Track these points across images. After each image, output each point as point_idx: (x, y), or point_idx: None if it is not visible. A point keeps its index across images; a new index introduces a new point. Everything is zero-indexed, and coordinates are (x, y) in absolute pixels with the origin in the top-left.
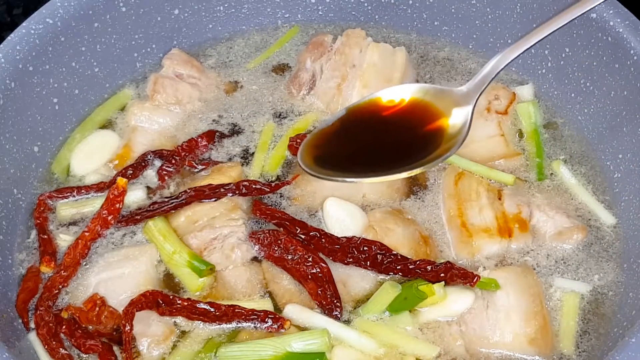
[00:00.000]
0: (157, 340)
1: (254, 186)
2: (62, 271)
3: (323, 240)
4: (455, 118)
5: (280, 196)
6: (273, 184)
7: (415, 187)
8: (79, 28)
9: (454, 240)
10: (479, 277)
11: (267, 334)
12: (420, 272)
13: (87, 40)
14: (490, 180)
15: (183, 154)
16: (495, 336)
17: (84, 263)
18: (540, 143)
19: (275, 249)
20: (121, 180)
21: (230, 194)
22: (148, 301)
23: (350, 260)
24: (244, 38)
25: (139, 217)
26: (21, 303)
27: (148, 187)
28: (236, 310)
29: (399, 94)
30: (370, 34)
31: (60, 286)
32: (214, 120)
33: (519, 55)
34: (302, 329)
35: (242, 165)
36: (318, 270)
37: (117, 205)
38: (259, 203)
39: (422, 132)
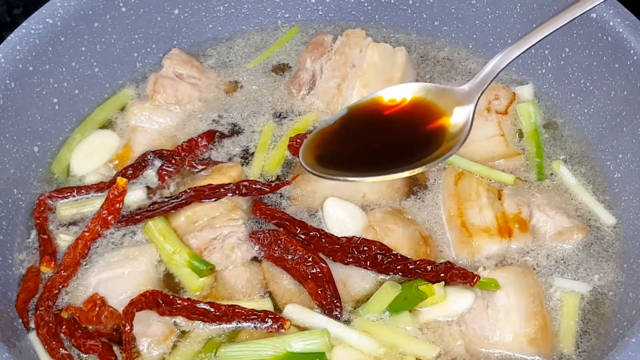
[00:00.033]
0: (157, 340)
1: (254, 186)
2: (62, 271)
3: (323, 240)
4: (456, 117)
5: (280, 196)
6: (273, 184)
7: (415, 187)
8: (79, 28)
9: (454, 240)
10: (479, 277)
11: (267, 334)
12: (420, 272)
13: (87, 40)
14: (490, 180)
15: (183, 154)
16: (495, 336)
17: (84, 263)
18: (540, 143)
19: (275, 249)
20: (121, 180)
21: (230, 194)
22: (148, 301)
23: (350, 260)
24: (244, 38)
25: (139, 217)
26: (21, 303)
27: (148, 187)
28: (236, 310)
29: (400, 93)
30: (370, 34)
31: (60, 286)
32: (214, 120)
33: (521, 54)
34: (302, 329)
35: (242, 165)
36: (318, 270)
37: (117, 205)
38: (259, 203)
39: (423, 131)
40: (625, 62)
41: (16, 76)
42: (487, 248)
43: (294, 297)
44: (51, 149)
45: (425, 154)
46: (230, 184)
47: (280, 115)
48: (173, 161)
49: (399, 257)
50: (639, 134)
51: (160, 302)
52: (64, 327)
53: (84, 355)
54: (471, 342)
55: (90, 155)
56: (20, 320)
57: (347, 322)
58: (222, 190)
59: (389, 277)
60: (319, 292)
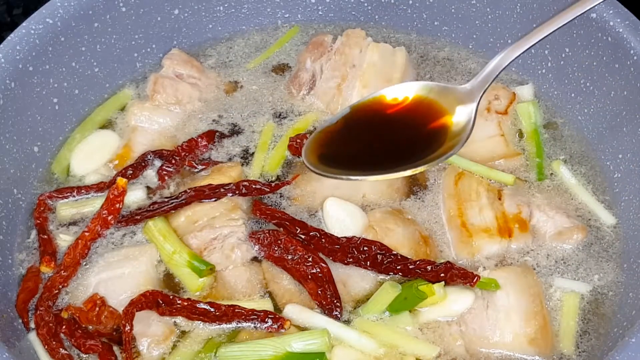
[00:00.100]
0: (157, 340)
1: (254, 186)
2: (62, 271)
3: (323, 240)
4: (459, 116)
5: (280, 196)
6: (273, 184)
7: (415, 187)
8: (79, 28)
9: (454, 240)
10: (479, 277)
11: (267, 334)
12: (420, 272)
13: (87, 40)
14: (490, 180)
15: (183, 154)
16: (495, 336)
17: (84, 263)
18: (540, 143)
19: (275, 249)
20: (121, 180)
21: (230, 194)
22: (148, 301)
23: (350, 260)
24: (244, 38)
25: (139, 217)
26: (21, 303)
27: (148, 187)
28: (236, 310)
29: (402, 91)
30: (370, 34)
31: (60, 286)
32: (214, 120)
33: (523, 52)
34: (302, 329)
35: (242, 165)
36: (318, 270)
37: (117, 205)
38: (259, 203)
39: (426, 130)
40: (625, 62)
41: (16, 76)
42: (487, 248)
43: (294, 297)
44: (51, 149)
45: (427, 153)
46: (230, 184)
47: (280, 115)
48: (173, 161)
49: (399, 257)
50: (639, 134)
51: (160, 302)
52: (64, 327)
53: (84, 355)
54: (471, 342)
55: (90, 155)
56: (20, 320)
57: (347, 322)
58: (222, 190)
59: (389, 277)
60: (319, 292)
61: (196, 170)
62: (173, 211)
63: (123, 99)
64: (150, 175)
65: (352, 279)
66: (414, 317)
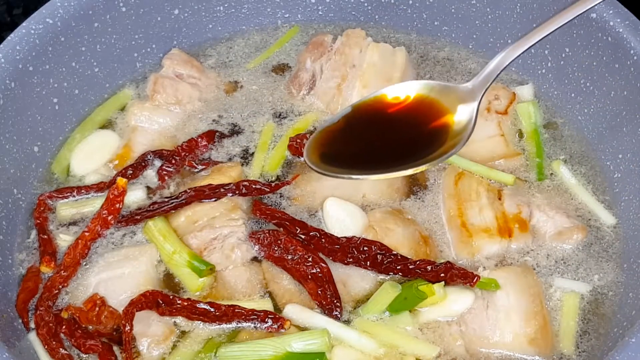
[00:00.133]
0: (157, 340)
1: (254, 186)
2: (62, 271)
3: (323, 240)
4: (460, 115)
5: (280, 196)
6: (273, 184)
7: (415, 187)
8: (79, 28)
9: (454, 240)
10: (479, 277)
11: (267, 334)
12: (420, 272)
13: (87, 40)
14: (490, 180)
15: (183, 154)
16: (495, 336)
17: (84, 263)
18: (540, 143)
19: (275, 249)
20: (121, 180)
21: (230, 194)
22: (148, 301)
23: (350, 260)
24: (244, 38)
25: (139, 217)
26: (21, 303)
27: (148, 187)
28: (236, 310)
29: (404, 90)
30: (370, 34)
31: (60, 286)
32: (214, 120)
33: (525, 51)
34: (302, 329)
35: (242, 165)
36: (318, 270)
37: (117, 205)
38: (259, 203)
39: (427, 129)
40: (625, 62)
41: (16, 76)
42: (487, 248)
43: (294, 297)
44: (51, 149)
45: (428, 152)
46: (230, 184)
47: (280, 115)
48: (173, 161)
49: (399, 257)
50: (639, 134)
51: (160, 302)
52: (64, 327)
53: (84, 355)
54: (471, 342)
55: (90, 155)
56: (20, 320)
57: (347, 322)
58: (222, 190)
59: (389, 277)
60: (319, 292)
61: (196, 170)
62: (173, 211)
63: (123, 99)
64: (150, 175)
65: (352, 279)
66: (414, 317)
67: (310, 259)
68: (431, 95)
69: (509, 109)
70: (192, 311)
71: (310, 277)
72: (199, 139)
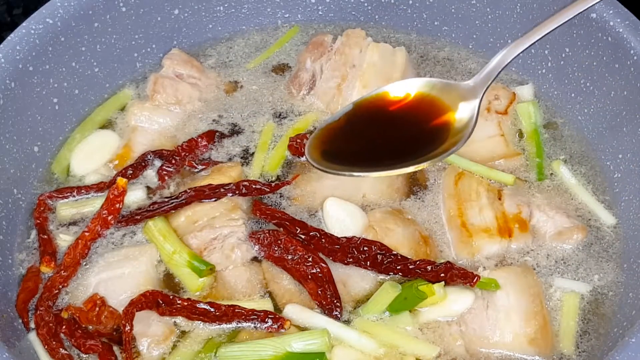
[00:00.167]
0: (157, 340)
1: (254, 186)
2: (62, 271)
3: (323, 240)
4: (461, 112)
5: (280, 196)
6: (273, 184)
7: (415, 187)
8: (79, 28)
9: (454, 240)
10: (479, 277)
11: (267, 334)
12: (420, 272)
13: (87, 40)
14: (490, 180)
15: (183, 154)
16: (495, 336)
17: (84, 263)
18: (540, 143)
19: (275, 249)
20: (121, 180)
21: (230, 194)
22: (148, 301)
23: (350, 260)
24: (244, 38)
25: (139, 217)
26: (21, 303)
27: (148, 187)
28: (236, 310)
29: (405, 88)
30: (370, 34)
31: (60, 286)
32: (214, 120)
33: (527, 48)
34: (302, 329)
35: (242, 165)
36: (318, 270)
37: (117, 205)
38: (259, 203)
39: (428, 127)
40: (625, 62)
41: (16, 76)
42: (487, 248)
43: (294, 297)
44: (51, 149)
45: (430, 150)
46: (230, 184)
47: (280, 115)
48: (173, 161)
49: (399, 257)
50: (639, 134)
51: (160, 302)
52: (64, 327)
53: (84, 355)
54: (471, 342)
55: (90, 155)
56: (20, 320)
57: (347, 322)
58: (222, 190)
59: (389, 277)
60: (319, 292)
61: (196, 170)
62: (173, 211)
63: (123, 99)
64: (150, 175)
65: (352, 279)
66: (414, 317)
67: (310, 259)
68: (432, 93)
69: (509, 109)
70: (192, 311)
71: (310, 277)
72: (199, 139)
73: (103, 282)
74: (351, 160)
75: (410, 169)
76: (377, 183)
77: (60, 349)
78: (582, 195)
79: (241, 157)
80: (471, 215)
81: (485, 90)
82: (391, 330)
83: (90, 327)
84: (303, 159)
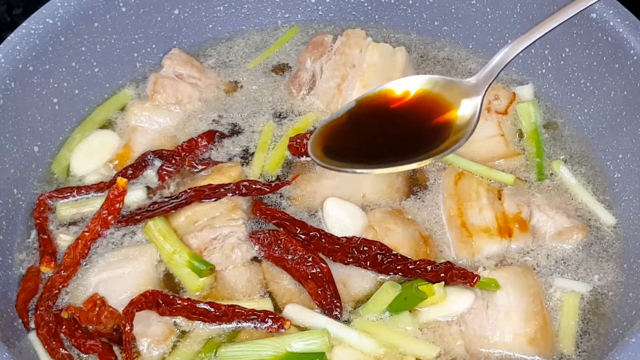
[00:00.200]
0: (157, 340)
1: (254, 186)
2: (62, 271)
3: (323, 240)
4: (464, 109)
5: (280, 196)
6: (273, 184)
7: (415, 187)
8: (79, 28)
9: (454, 240)
10: (479, 277)
11: (267, 334)
12: (420, 272)
13: (87, 40)
14: (490, 180)
15: (183, 154)
16: (495, 336)
17: (84, 263)
18: (540, 143)
19: (275, 249)
20: (121, 180)
21: (230, 194)
22: (148, 301)
23: (350, 260)
24: (244, 38)
25: (139, 217)
26: (21, 303)
27: (148, 187)
28: (236, 310)
29: (407, 85)
30: (370, 34)
31: (60, 286)
32: (214, 120)
33: (530, 45)
34: (302, 329)
35: (242, 165)
36: (318, 270)
37: (117, 205)
38: (259, 203)
39: (430, 124)
40: (625, 62)
41: (16, 76)
42: (487, 248)
43: (294, 297)
44: (51, 149)
45: (432, 147)
46: (230, 184)
47: (280, 115)
48: (173, 161)
49: (399, 257)
50: (639, 134)
51: (160, 302)
52: (64, 327)
53: (84, 355)
54: (471, 342)
55: (90, 155)
56: (20, 320)
57: (347, 322)
58: (222, 190)
59: (389, 277)
60: (319, 292)
61: (196, 170)
62: (173, 211)
63: (123, 99)
64: (150, 175)
65: (352, 279)
66: (414, 317)
67: (310, 259)
68: (435, 90)
69: (509, 109)
70: (192, 311)
71: (310, 277)
72: (199, 139)
73: (103, 282)
74: (353, 158)
75: (413, 165)
76: (377, 183)
77: (60, 349)
78: (582, 195)
79: (241, 157)
80: (471, 215)
81: (488, 87)
82: (391, 330)
83: (90, 327)
84: (303, 159)
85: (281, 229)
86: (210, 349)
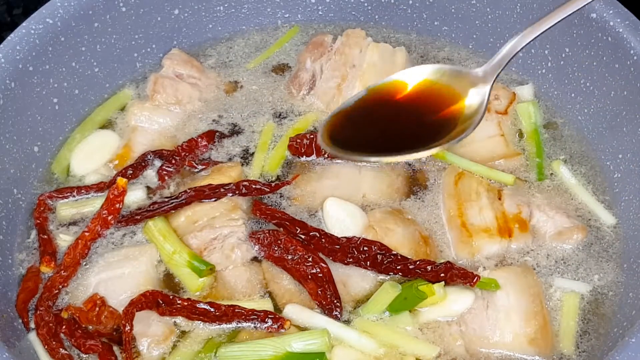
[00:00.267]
0: (157, 340)
1: (254, 186)
2: (62, 271)
3: (323, 240)
4: (471, 98)
5: (280, 196)
6: (273, 184)
7: (415, 187)
8: (79, 28)
9: (454, 240)
10: (479, 277)
11: (267, 334)
12: (420, 272)
13: (87, 40)
14: (490, 180)
15: (183, 154)
16: (495, 336)
17: (84, 263)
18: (540, 143)
19: (275, 249)
20: (121, 180)
21: (230, 194)
22: (148, 301)
23: (350, 260)
24: (244, 38)
25: (139, 217)
26: (21, 303)
27: (148, 187)
28: (236, 310)
29: (415, 75)
30: (370, 34)
31: (60, 286)
32: (214, 120)
33: (539, 35)
34: (302, 329)
35: (242, 165)
36: (318, 270)
37: (117, 205)
38: (259, 203)
39: (438, 114)
40: (625, 62)
41: (16, 76)
42: (487, 248)
43: (294, 297)
44: (51, 149)
45: (440, 137)
46: (230, 184)
47: (280, 115)
48: (173, 161)
49: (399, 257)
50: (639, 134)
51: (160, 302)
52: (64, 327)
53: (84, 355)
54: (471, 342)
55: (90, 155)
56: (20, 320)
57: (347, 322)
58: (222, 190)
59: (389, 277)
60: (319, 292)
61: (196, 170)
62: (173, 211)
63: (123, 99)
64: (150, 175)
65: (352, 279)
66: (414, 317)
67: (310, 259)
68: (442, 80)
69: (509, 109)
70: (192, 311)
71: (310, 277)
72: (199, 139)
73: (103, 282)
74: (362, 147)
75: (421, 154)
76: (377, 183)
77: (60, 349)
78: (582, 195)
79: (241, 157)
80: (471, 215)
81: (497, 77)
82: (391, 330)
83: (90, 327)
84: (303, 159)
85: (281, 229)
86: (210, 349)
